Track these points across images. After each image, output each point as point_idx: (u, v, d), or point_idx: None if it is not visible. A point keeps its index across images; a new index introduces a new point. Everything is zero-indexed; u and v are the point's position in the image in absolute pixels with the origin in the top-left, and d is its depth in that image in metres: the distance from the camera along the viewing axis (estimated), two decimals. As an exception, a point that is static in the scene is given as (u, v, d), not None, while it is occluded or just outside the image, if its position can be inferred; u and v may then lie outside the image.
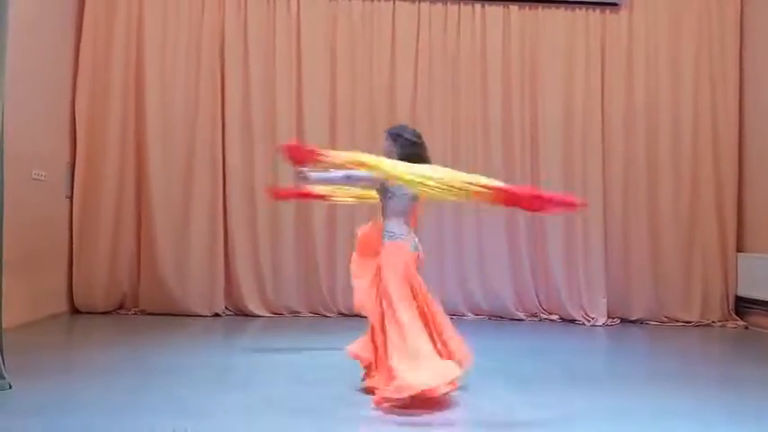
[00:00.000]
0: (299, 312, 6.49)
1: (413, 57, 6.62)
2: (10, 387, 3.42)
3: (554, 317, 6.55)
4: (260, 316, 6.39)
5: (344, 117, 6.58)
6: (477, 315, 6.49)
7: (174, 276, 6.32)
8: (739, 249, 6.55)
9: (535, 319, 6.54)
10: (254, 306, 6.44)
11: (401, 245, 3.56)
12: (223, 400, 3.50)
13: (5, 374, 3.47)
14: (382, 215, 3.66)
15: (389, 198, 3.59)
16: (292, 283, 6.52)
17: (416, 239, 3.66)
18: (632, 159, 6.65)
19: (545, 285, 6.62)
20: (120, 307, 6.41)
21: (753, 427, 3.20)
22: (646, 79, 6.69)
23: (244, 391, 3.68)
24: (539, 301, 6.60)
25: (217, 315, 6.36)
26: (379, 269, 3.53)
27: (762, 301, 6.16)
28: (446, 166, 7.17)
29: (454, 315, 6.42)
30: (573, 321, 6.48)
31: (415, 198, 3.60)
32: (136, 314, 6.32)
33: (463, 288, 6.34)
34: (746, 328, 6.38)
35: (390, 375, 3.20)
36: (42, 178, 5.77)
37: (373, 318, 3.52)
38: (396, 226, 3.58)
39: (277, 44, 6.54)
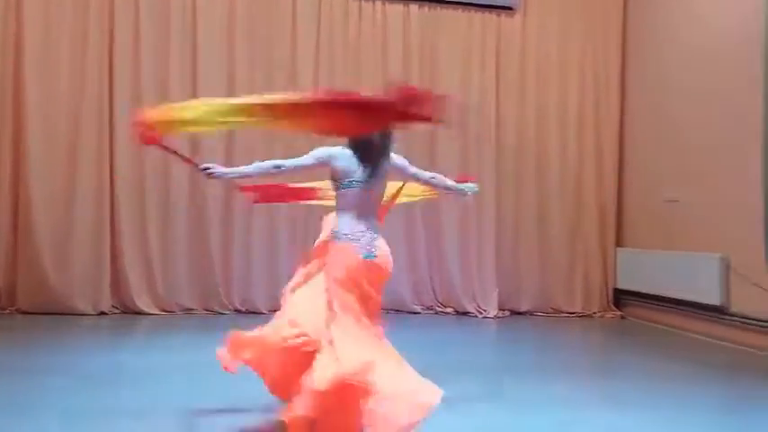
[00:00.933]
0: (192, 309, 6.27)
1: (313, 49, 6.56)
2: None
3: (449, 310, 6.73)
4: (150, 314, 6.10)
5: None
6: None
7: (56, 272, 5.91)
8: (618, 244, 7.00)
9: (431, 312, 6.69)
10: (143, 303, 6.14)
11: (345, 248, 2.79)
12: (107, 402, 3.33)
13: None
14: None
15: (338, 188, 2.89)
16: (185, 279, 6.28)
17: (376, 242, 2.82)
18: (523, 159, 6.95)
19: (440, 279, 6.79)
20: (-5, 305, 5.95)
21: (631, 411, 3.43)
22: (536, 80, 7.00)
23: (130, 393, 3.53)
24: (435, 295, 6.77)
25: (103, 313, 6.01)
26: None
27: (637, 292, 6.61)
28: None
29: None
30: (466, 314, 6.68)
31: (371, 186, 2.87)
32: (12, 313, 5.86)
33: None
34: (623, 318, 6.83)
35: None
36: None
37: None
38: (345, 224, 2.83)
39: (171, 26, 6.28)
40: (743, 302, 5.23)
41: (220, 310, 6.31)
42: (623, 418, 3.33)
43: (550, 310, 6.91)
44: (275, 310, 6.73)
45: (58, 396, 3.43)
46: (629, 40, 7.07)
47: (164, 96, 6.23)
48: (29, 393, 3.43)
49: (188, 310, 6.27)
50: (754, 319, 4.98)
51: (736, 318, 5.32)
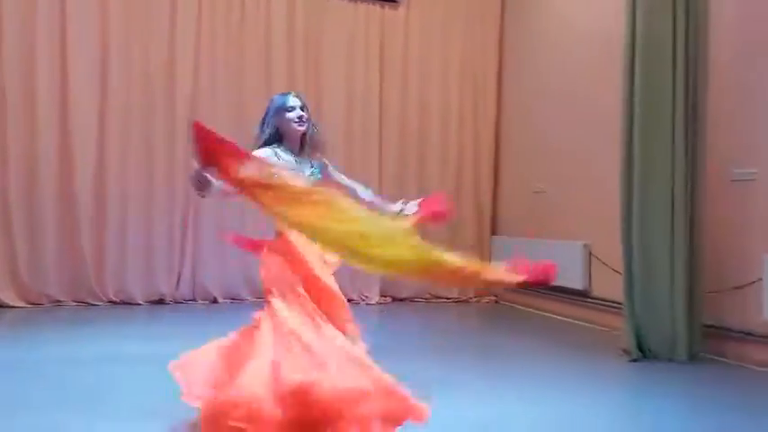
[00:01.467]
0: (61, 301, 5.94)
1: (194, 24, 6.37)
2: None
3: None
4: (14, 307, 5.72)
5: (117, 103, 6.13)
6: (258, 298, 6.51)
7: None
8: (493, 233, 7.36)
9: (314, 300, 6.73)
10: (6, 296, 5.75)
11: None
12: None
13: None
14: None
15: None
16: (53, 269, 5.93)
17: None
18: (406, 152, 7.13)
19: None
20: None
21: (500, 385, 3.68)
22: (419, 75, 7.16)
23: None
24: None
25: (-41, 307, 5.59)
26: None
27: (510, 278, 6.99)
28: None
29: (235, 299, 6.40)
30: (350, 300, 6.75)
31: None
32: None
33: (245, 273, 6.30)
34: (497, 302, 7.21)
35: None
36: None
37: None
38: None
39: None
40: (602, 287, 5.69)
41: (93, 302, 6.01)
42: (494, 396, 3.52)
43: (429, 296, 7.16)
44: (152, 301, 6.54)
45: None
46: (506, 41, 7.39)
47: (29, 67, 5.84)
48: None
49: (57, 303, 5.92)
50: (610, 302, 5.42)
51: (596, 301, 5.78)
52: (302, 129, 2.80)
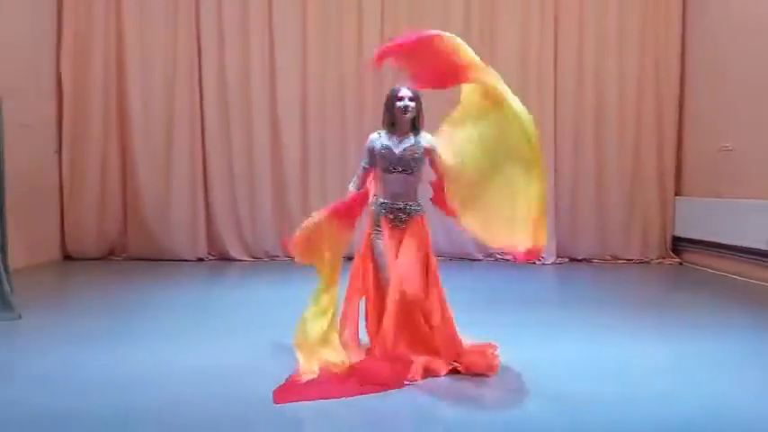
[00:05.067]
0: (276, 256, 7.02)
1: (378, 18, 7.01)
2: (20, 317, 4.00)
3: (508, 257, 7.10)
4: (241, 260, 6.94)
5: (315, 95, 7.00)
6: (439, 257, 7.03)
7: (159, 224, 6.87)
8: (677, 194, 7.14)
9: (491, 259, 7.10)
10: (234, 251, 6.99)
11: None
12: (202, 327, 4.08)
13: (14, 307, 4.02)
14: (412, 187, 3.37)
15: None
16: (270, 229, 7.03)
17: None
18: (582, 112, 7.14)
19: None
20: (111, 253, 6.93)
21: (675, 339, 3.87)
22: (596, 31, 7.10)
23: (222, 320, 4.26)
24: (495, 243, 7.18)
25: (201, 260, 6.91)
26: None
27: (695, 240, 6.79)
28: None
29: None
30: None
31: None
32: (125, 260, 6.85)
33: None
34: (681, 264, 7.01)
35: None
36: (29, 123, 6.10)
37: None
38: None
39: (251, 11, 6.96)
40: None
41: (302, 257, 7.04)
42: (660, 346, 3.73)
43: (608, 258, 7.16)
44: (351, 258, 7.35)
45: (168, 323, 4.21)
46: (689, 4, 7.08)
47: (245, 68, 6.94)
48: (144, 323, 4.21)
49: (273, 257, 7.03)
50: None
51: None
52: (406, 116, 3.26)
